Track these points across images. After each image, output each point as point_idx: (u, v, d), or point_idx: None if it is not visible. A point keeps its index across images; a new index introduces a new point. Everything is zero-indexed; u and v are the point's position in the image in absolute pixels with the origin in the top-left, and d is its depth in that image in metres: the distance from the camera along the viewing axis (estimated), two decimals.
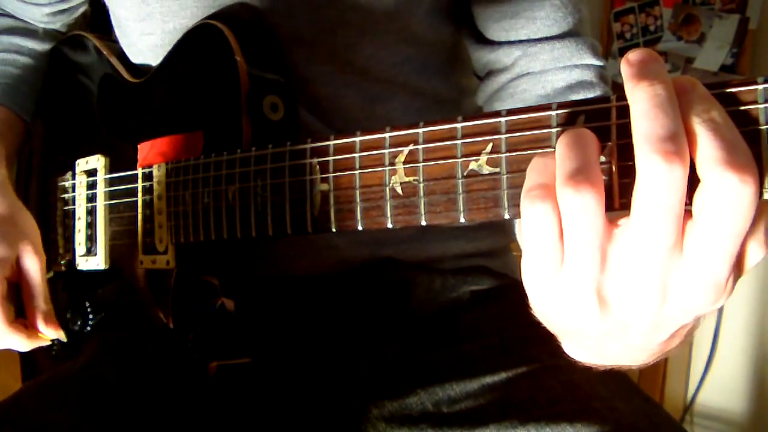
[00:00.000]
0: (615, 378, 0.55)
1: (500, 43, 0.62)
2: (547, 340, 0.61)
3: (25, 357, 0.84)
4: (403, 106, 0.62)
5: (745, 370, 1.53)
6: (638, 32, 1.53)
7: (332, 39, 0.58)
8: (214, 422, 0.56)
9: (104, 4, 0.68)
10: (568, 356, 0.59)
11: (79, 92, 0.71)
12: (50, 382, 0.57)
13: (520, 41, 0.61)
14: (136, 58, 0.67)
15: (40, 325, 0.58)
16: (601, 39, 1.61)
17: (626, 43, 1.56)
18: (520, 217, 0.35)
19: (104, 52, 0.68)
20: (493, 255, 0.68)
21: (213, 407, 0.57)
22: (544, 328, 0.63)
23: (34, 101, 0.74)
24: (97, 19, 0.78)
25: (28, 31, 0.75)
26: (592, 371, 0.56)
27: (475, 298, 0.64)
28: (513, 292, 0.66)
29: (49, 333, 0.59)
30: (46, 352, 0.73)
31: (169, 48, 0.60)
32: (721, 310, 1.54)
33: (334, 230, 0.42)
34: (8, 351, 0.91)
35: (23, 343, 0.58)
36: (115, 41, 0.70)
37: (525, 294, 0.65)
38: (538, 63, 0.60)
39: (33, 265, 0.58)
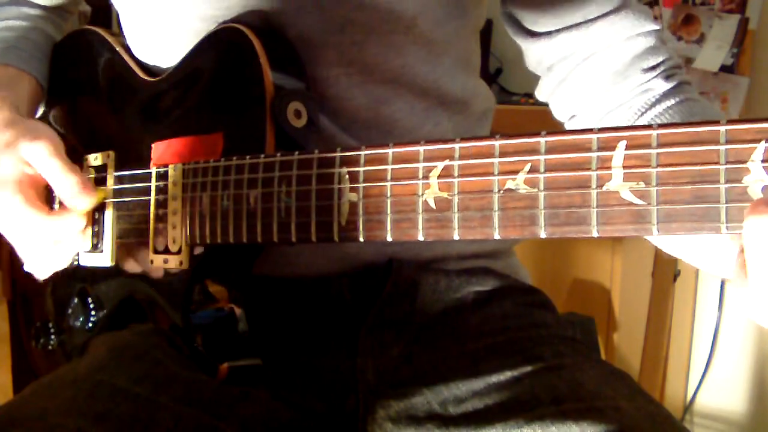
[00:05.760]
0: (618, 377, 0.56)
1: (556, 32, 0.62)
2: (549, 340, 0.62)
3: (18, 353, 0.83)
4: (408, 107, 0.62)
5: (745, 369, 1.55)
6: None
7: (339, 38, 0.57)
8: (222, 424, 0.56)
9: (110, 3, 0.67)
10: (571, 356, 0.60)
11: (89, 87, 0.70)
12: (57, 383, 0.56)
13: (577, 24, 0.60)
14: (143, 55, 0.66)
15: (66, 199, 0.57)
16: None
17: None
18: (555, 236, 0.35)
19: (117, 48, 0.67)
20: (496, 256, 0.69)
21: (222, 409, 0.57)
22: (546, 328, 0.64)
23: (48, 68, 0.73)
24: (98, 20, 0.77)
25: (35, 4, 0.74)
26: (596, 371, 0.58)
27: (478, 298, 0.65)
28: (516, 293, 0.67)
29: (79, 202, 0.57)
30: (42, 347, 0.73)
31: (180, 43, 0.59)
32: (720, 310, 1.56)
33: (361, 240, 0.42)
34: (1, 347, 0.90)
35: (44, 222, 0.57)
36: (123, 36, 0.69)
37: (527, 295, 0.67)
38: (600, 41, 0.60)
39: (34, 151, 0.56)
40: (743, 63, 1.44)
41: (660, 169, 0.31)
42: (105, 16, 0.70)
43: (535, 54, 0.65)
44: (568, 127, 0.66)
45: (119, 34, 0.70)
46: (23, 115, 0.62)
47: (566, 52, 0.62)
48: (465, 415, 0.55)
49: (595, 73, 0.61)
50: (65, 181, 0.57)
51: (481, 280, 0.66)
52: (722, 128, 0.30)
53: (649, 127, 0.31)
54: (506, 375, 0.56)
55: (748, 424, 1.55)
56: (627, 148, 0.32)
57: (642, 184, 0.32)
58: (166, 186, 0.57)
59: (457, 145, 0.37)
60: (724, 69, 1.44)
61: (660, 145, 0.31)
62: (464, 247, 0.66)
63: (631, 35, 0.60)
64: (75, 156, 0.70)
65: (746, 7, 1.42)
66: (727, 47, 1.42)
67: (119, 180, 0.64)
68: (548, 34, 0.62)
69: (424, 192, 0.39)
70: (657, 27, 0.61)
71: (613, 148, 0.32)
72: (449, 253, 0.65)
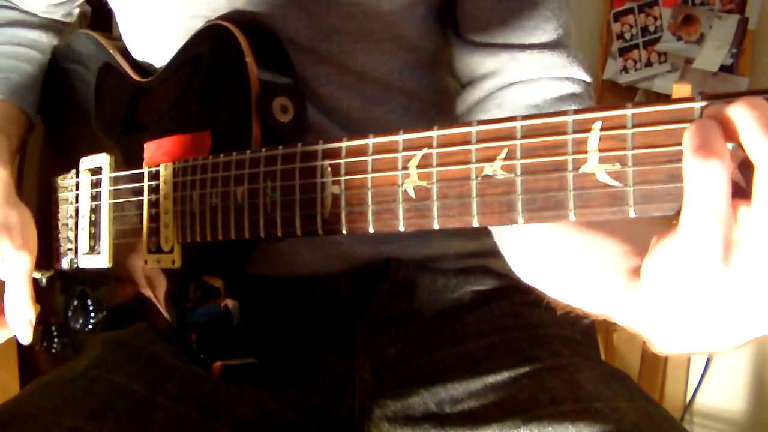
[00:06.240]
0: (617, 378, 0.56)
1: (487, 45, 0.59)
2: (548, 341, 0.62)
3: (24, 356, 0.83)
4: (401, 108, 0.62)
5: (745, 369, 1.54)
6: (638, 32, 1.54)
7: (327, 45, 0.58)
8: (217, 424, 0.56)
9: (106, 2, 0.68)
10: (569, 356, 0.60)
11: (83, 91, 0.71)
12: (55, 382, 0.56)
13: (509, 45, 0.58)
14: (139, 55, 0.67)
15: (12, 324, 0.58)
16: (601, 39, 1.61)
17: (626, 43, 1.56)
18: (534, 222, 0.35)
19: (110, 51, 0.68)
20: (494, 255, 0.68)
21: (218, 407, 0.57)
22: (545, 328, 0.64)
23: (38, 95, 0.73)
24: (98, 20, 0.78)
25: (31, 23, 0.74)
26: (594, 371, 0.57)
27: (476, 298, 0.65)
28: (514, 293, 0.66)
29: (17, 327, 0.59)
30: (46, 350, 0.73)
31: (176, 42, 0.60)
32: None
33: (344, 232, 0.42)
34: (7, 350, 0.90)
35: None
36: (119, 39, 0.70)
37: (526, 294, 0.66)
38: (527, 71, 0.58)
39: (14, 262, 0.58)
40: (743, 63, 1.44)
41: (636, 151, 0.31)
42: (106, 16, 0.70)
43: (460, 59, 0.62)
44: None
45: (116, 38, 0.70)
46: (12, 153, 0.65)
47: (491, 71, 0.59)
48: (462, 415, 0.54)
49: (512, 101, 0.58)
50: (23, 311, 0.58)
51: (479, 280, 0.66)
52: (697, 105, 0.29)
53: (623, 106, 0.31)
54: (504, 375, 0.56)
55: (747, 424, 1.53)
56: (602, 129, 0.32)
57: (618, 165, 0.31)
58: (158, 185, 0.58)
59: (435, 133, 0.37)
60: (724, 69, 1.44)
61: (635, 125, 0.31)
62: (462, 246, 0.66)
63: (560, 76, 0.58)
64: (69, 162, 0.71)
65: (746, 7, 1.42)
66: (726, 47, 1.42)
67: (114, 181, 0.64)
68: (477, 44, 0.60)
69: (404, 182, 0.39)
70: (588, 79, 0.59)
71: (588, 130, 0.32)
72: (447, 252, 0.65)
